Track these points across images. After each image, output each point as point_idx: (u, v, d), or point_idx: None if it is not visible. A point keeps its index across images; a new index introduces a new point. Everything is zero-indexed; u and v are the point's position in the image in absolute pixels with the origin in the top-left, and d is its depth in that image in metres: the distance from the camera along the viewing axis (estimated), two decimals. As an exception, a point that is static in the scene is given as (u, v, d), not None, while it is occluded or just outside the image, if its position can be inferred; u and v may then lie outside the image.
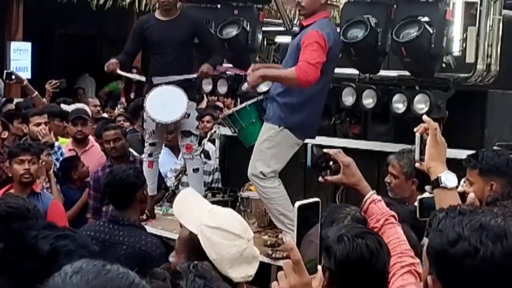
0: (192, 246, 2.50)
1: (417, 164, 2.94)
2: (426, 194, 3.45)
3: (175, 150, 7.16)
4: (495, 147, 5.10)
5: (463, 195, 2.87)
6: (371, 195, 3.05)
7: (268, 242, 5.59)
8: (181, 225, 2.65)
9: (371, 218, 2.95)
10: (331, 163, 3.10)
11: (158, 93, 6.27)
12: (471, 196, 2.88)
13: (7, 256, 1.82)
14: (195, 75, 6.33)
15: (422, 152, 2.88)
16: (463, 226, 1.81)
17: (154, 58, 6.43)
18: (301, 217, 1.72)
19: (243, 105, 5.78)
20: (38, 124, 6.90)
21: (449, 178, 2.76)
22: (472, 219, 1.83)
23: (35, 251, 1.77)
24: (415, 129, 2.89)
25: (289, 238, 1.68)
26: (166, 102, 6.21)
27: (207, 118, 8.78)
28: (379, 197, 3.11)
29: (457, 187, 2.77)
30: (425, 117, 2.90)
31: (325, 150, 3.18)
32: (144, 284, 1.42)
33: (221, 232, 2.48)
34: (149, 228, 5.26)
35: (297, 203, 1.73)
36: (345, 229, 2.60)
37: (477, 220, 1.83)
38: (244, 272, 2.49)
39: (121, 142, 6.67)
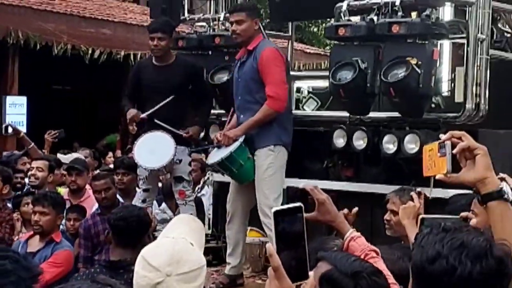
0: None
1: (441, 176, 2.41)
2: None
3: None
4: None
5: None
6: (350, 233, 3.02)
7: None
8: None
9: None
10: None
11: (147, 139, 6.26)
12: (473, 222, 2.78)
13: None
14: (182, 133, 6.29)
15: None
16: (444, 243, 1.79)
17: (147, 103, 6.38)
18: (281, 225, 1.68)
19: (228, 152, 5.68)
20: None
21: (509, 191, 2.37)
22: (454, 237, 1.81)
23: None
24: (442, 138, 2.44)
25: (270, 244, 1.65)
26: (153, 148, 6.20)
27: (193, 165, 7.82)
28: (358, 234, 3.07)
29: None
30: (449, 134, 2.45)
31: (301, 186, 3.16)
32: None
33: (141, 261, 2.47)
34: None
35: (273, 209, 1.69)
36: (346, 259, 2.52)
37: (459, 238, 1.81)
38: None
39: (111, 192, 6.42)
